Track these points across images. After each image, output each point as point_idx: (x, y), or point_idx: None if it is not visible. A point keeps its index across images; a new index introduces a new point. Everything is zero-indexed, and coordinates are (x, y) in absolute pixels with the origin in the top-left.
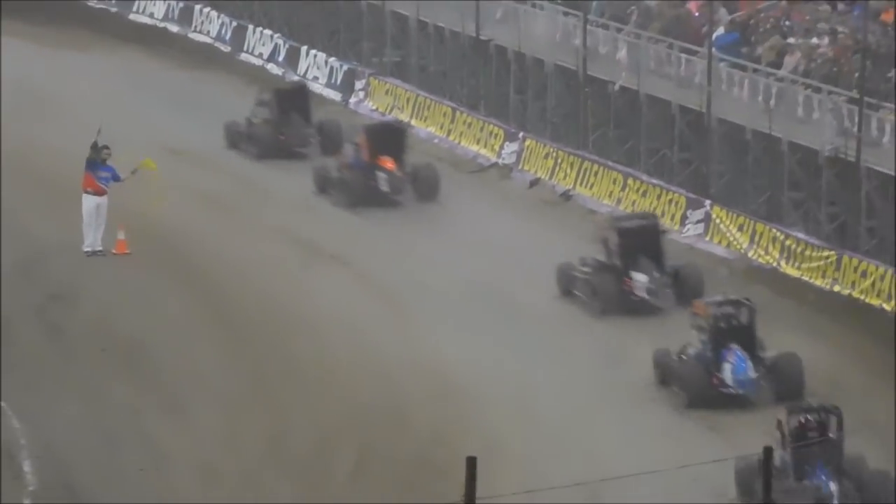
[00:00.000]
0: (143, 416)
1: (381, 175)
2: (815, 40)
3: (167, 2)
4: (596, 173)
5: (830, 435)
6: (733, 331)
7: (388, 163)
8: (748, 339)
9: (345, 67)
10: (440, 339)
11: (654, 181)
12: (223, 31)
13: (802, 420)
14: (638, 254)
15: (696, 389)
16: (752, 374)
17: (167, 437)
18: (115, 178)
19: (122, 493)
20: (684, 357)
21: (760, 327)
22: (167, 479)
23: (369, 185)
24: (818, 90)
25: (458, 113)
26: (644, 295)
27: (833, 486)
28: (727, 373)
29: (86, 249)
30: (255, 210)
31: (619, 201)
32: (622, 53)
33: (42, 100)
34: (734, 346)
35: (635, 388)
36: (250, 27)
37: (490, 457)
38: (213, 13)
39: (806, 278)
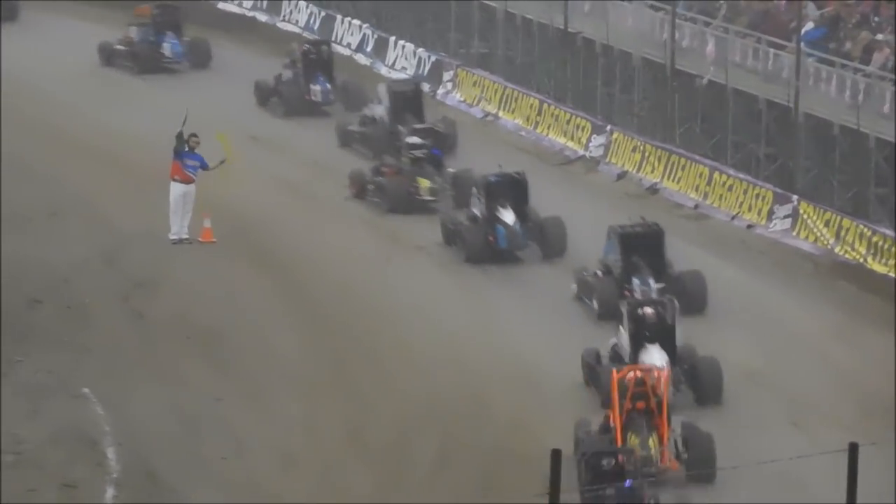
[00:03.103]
0: (225, 404)
1: (165, 44)
2: None
3: None
4: (683, 167)
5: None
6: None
7: (172, 37)
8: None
9: (433, 58)
10: (521, 328)
11: (741, 176)
12: (311, 21)
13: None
14: (316, 70)
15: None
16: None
17: (248, 426)
18: (203, 166)
19: (203, 480)
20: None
21: (849, 323)
22: (248, 467)
23: (155, 54)
24: None
25: (545, 105)
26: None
27: (328, 86)
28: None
29: (172, 237)
30: (339, 199)
31: (705, 195)
32: (710, 47)
33: (127, 88)
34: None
35: None
36: (339, 17)
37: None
38: (302, 3)
39: (892, 274)
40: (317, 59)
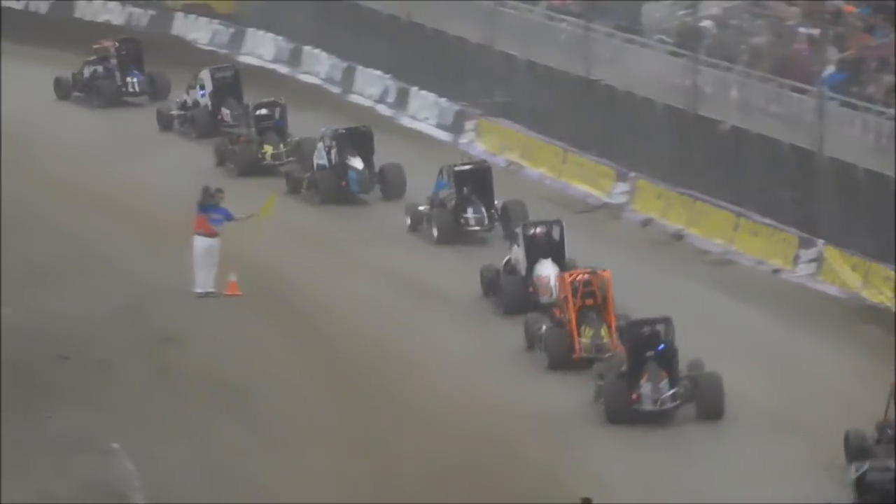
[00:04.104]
0: (253, 457)
1: None
2: None
3: (276, 43)
4: (707, 213)
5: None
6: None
7: None
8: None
9: (455, 108)
10: (548, 377)
11: (766, 221)
12: (332, 72)
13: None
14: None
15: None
16: None
17: (277, 479)
18: (229, 218)
19: None
20: None
21: (877, 367)
22: None
23: None
24: None
25: (568, 153)
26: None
27: (142, 77)
28: None
29: (197, 291)
30: (364, 250)
31: (731, 241)
32: (732, 93)
33: (149, 141)
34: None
35: None
36: (359, 68)
37: (603, 497)
38: (323, 54)
39: None
40: (128, 54)
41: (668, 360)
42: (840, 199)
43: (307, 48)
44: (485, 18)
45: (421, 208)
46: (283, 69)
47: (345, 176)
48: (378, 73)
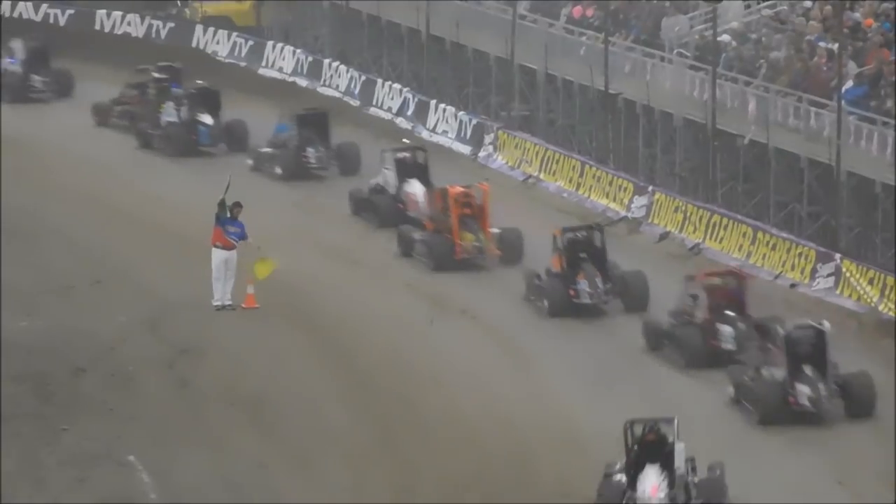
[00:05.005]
0: (271, 470)
1: None
2: None
3: (296, 56)
4: (725, 227)
5: None
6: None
7: None
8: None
9: (474, 121)
10: (567, 392)
11: (784, 235)
12: (352, 85)
13: None
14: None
15: None
16: None
17: (294, 492)
18: (242, 237)
19: None
20: None
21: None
22: None
23: None
24: None
25: (586, 166)
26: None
27: None
28: None
29: (215, 303)
30: (381, 264)
31: (748, 255)
32: (751, 107)
33: (168, 155)
34: None
35: None
36: (379, 81)
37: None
38: (342, 67)
39: None
40: None
41: (600, 261)
42: (858, 213)
43: (327, 61)
44: (505, 32)
45: (263, 150)
46: (302, 82)
47: (195, 131)
48: (397, 86)
